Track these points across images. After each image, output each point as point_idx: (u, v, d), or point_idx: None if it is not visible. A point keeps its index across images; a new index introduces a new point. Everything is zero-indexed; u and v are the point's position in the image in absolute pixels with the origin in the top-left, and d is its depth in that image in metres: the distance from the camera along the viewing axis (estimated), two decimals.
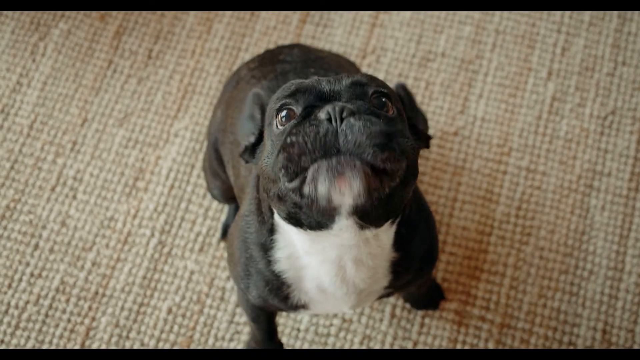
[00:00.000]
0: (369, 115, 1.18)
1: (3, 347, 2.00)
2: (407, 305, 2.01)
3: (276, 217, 1.42)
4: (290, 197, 1.22)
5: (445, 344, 1.98)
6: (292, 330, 1.99)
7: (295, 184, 1.19)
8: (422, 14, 2.37)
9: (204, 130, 2.22)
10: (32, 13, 2.37)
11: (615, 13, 2.36)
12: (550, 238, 2.10)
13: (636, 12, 2.36)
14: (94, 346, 1.99)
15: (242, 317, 2.00)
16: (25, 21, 2.37)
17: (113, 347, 1.99)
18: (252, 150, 1.41)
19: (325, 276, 1.43)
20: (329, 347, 1.99)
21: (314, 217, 1.24)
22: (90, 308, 2.03)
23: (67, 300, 2.03)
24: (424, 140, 1.42)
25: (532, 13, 2.37)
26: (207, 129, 2.02)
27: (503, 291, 2.04)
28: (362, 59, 2.31)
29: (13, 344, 2.00)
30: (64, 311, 2.02)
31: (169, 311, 2.02)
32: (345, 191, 1.17)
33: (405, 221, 1.43)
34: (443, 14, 2.37)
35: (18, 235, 2.11)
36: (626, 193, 2.15)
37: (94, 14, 2.38)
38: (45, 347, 1.99)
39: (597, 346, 1.98)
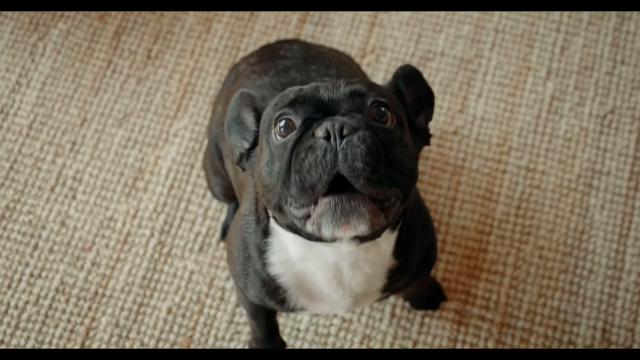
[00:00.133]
0: (367, 132, 1.20)
1: (3, 347, 2.00)
2: (407, 305, 2.01)
3: (272, 220, 1.42)
4: (293, 219, 1.25)
5: (445, 344, 1.98)
6: (292, 330, 1.99)
7: (300, 213, 1.22)
8: (421, 14, 2.37)
9: (203, 130, 2.22)
10: (31, 13, 2.37)
11: (614, 12, 2.36)
12: (549, 237, 2.10)
13: (635, 11, 2.36)
14: (94, 346, 1.99)
15: (242, 317, 2.00)
16: (24, 21, 2.37)
17: (113, 347, 1.99)
18: (247, 155, 1.41)
19: (321, 280, 1.43)
20: (329, 347, 1.99)
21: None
22: (90, 308, 2.03)
23: (67, 301, 2.03)
24: (425, 138, 1.42)
25: (531, 12, 2.37)
26: (208, 126, 2.02)
27: (503, 290, 2.04)
28: (362, 59, 2.31)
29: (13, 344, 2.00)
30: (63, 311, 2.02)
31: (169, 311, 2.02)
32: (348, 232, 1.22)
33: (405, 226, 1.43)
34: (442, 13, 2.37)
35: (17, 235, 2.10)
36: (625, 192, 2.15)
37: (93, 14, 2.37)
38: (45, 347, 1.99)
39: (597, 345, 1.98)
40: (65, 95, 2.28)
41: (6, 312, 2.02)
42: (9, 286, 2.05)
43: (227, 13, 2.38)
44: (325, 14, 2.37)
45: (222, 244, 2.09)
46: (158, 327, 2.00)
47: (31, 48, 2.34)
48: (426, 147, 2.17)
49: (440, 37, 2.34)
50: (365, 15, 2.37)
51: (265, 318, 1.75)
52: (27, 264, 2.07)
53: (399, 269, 1.47)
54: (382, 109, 1.26)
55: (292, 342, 1.99)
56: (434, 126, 2.23)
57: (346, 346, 1.98)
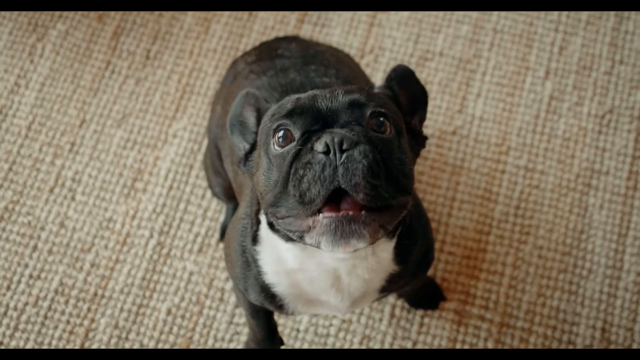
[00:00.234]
0: (367, 147, 1.20)
1: (2, 348, 2.00)
2: (407, 305, 2.01)
3: (262, 228, 1.42)
4: (288, 233, 1.27)
5: (444, 344, 1.98)
6: (291, 331, 1.99)
7: (296, 227, 1.24)
8: (419, 14, 2.37)
9: (202, 131, 2.22)
10: (30, 14, 2.37)
11: (613, 12, 2.36)
12: (549, 237, 2.10)
13: (633, 11, 2.37)
14: (94, 347, 1.99)
15: (242, 318, 2.00)
16: (23, 22, 2.36)
17: (112, 348, 1.99)
18: (245, 159, 1.41)
19: (319, 288, 1.43)
20: (328, 347, 1.99)
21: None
22: (89, 309, 2.03)
23: (66, 302, 2.03)
24: (421, 141, 1.43)
25: (530, 12, 2.37)
26: (207, 126, 2.02)
27: (502, 290, 2.04)
28: (361, 59, 2.31)
29: (12, 345, 1.99)
30: (63, 312, 2.02)
31: (168, 312, 2.02)
32: (348, 249, 1.23)
33: (406, 231, 1.43)
34: (441, 13, 2.37)
35: (17, 236, 2.10)
36: (624, 192, 2.15)
37: (92, 14, 2.37)
38: (44, 348, 1.99)
39: (596, 345, 1.98)
40: (64, 96, 2.27)
41: (5, 313, 2.02)
42: (8, 287, 2.05)
43: (226, 13, 2.38)
44: (324, 14, 2.37)
45: (221, 245, 2.09)
46: (157, 328, 2.00)
47: (30, 49, 2.33)
48: (425, 147, 2.16)
49: (439, 37, 2.34)
50: (364, 16, 2.37)
51: (265, 317, 1.74)
52: (26, 265, 2.07)
53: (399, 273, 1.47)
54: (381, 119, 1.27)
55: (292, 342, 1.99)
56: (432, 126, 2.23)
57: (346, 346, 1.98)
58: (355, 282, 1.41)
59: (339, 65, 1.77)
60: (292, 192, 1.20)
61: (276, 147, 1.26)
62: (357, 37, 2.34)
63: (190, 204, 2.14)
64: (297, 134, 1.25)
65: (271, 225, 1.35)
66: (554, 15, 2.36)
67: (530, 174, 2.17)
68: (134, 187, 2.16)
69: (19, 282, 2.06)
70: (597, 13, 2.36)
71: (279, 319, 1.99)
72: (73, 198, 2.14)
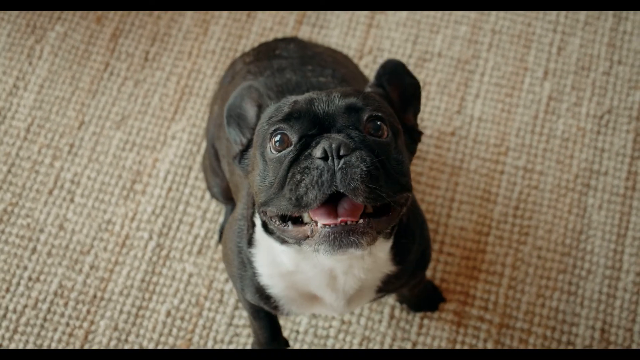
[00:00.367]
0: (365, 152, 1.21)
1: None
2: (406, 306, 2.01)
3: (257, 231, 1.43)
4: (284, 237, 1.29)
5: (444, 345, 1.98)
6: (291, 332, 1.99)
7: (292, 235, 1.26)
8: (418, 14, 2.37)
9: (201, 132, 2.22)
10: (29, 16, 2.37)
11: (611, 12, 2.36)
12: (548, 237, 2.10)
13: (631, 11, 2.37)
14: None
15: (242, 320, 2.00)
16: (21, 24, 2.36)
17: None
18: (241, 156, 1.41)
19: (314, 287, 1.44)
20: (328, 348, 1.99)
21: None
22: (88, 312, 2.02)
23: (66, 304, 2.03)
24: (416, 136, 1.43)
25: (528, 13, 2.37)
26: (206, 127, 2.02)
27: (501, 291, 2.04)
28: (359, 60, 2.31)
29: (12, 348, 1.99)
30: (62, 315, 2.02)
31: (168, 314, 2.02)
32: (345, 256, 1.25)
33: (403, 230, 1.43)
34: (439, 14, 2.37)
35: (16, 239, 2.10)
36: (623, 192, 2.15)
37: (90, 16, 2.37)
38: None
39: (595, 345, 1.98)
40: (63, 98, 2.27)
41: (4, 316, 2.02)
42: (8, 290, 2.05)
43: (224, 15, 2.38)
44: (322, 15, 2.37)
45: (220, 247, 2.09)
46: (157, 330, 2.00)
47: (28, 51, 2.33)
48: (424, 148, 2.17)
49: (438, 38, 2.34)
50: (362, 17, 2.37)
51: (266, 318, 1.73)
52: (25, 268, 2.07)
53: (396, 274, 1.47)
54: (378, 123, 1.27)
55: (292, 344, 1.99)
56: (431, 127, 2.23)
57: (345, 347, 1.98)
58: (351, 282, 1.41)
59: (336, 66, 1.77)
60: (287, 196, 1.21)
61: (273, 151, 1.26)
62: (356, 38, 2.34)
63: (190, 205, 2.14)
64: (294, 139, 1.25)
65: (265, 227, 1.36)
66: (552, 15, 2.36)
67: (529, 174, 2.17)
68: (133, 188, 2.16)
69: (18, 284, 2.05)
70: (596, 13, 2.36)
71: (279, 320, 1.99)
72: (72, 200, 2.14)
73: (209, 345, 1.99)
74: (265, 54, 1.81)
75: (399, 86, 1.42)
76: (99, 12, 2.38)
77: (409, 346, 1.98)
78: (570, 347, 1.98)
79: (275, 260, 1.42)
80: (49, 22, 2.37)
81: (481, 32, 2.35)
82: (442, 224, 2.11)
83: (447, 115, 2.24)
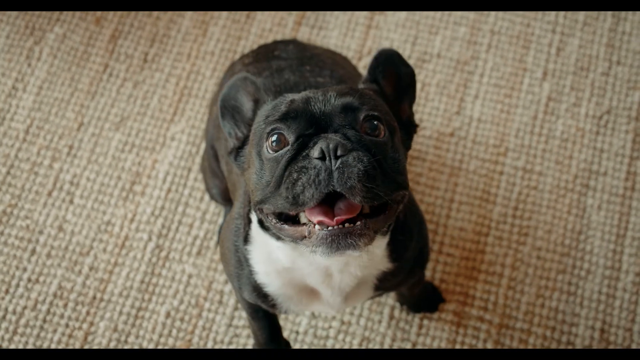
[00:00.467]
0: (361, 152, 1.22)
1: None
2: (406, 307, 2.01)
3: (253, 228, 1.43)
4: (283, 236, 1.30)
5: (444, 345, 1.98)
6: (290, 333, 1.99)
7: (289, 234, 1.27)
8: (417, 15, 2.37)
9: (200, 134, 2.22)
10: (27, 17, 2.37)
11: (610, 12, 2.37)
12: (547, 238, 2.10)
13: (630, 12, 2.37)
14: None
15: (241, 321, 2.00)
16: (20, 25, 2.36)
17: None
18: (236, 153, 1.41)
19: (311, 284, 1.44)
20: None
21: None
22: (88, 313, 2.02)
23: (65, 305, 2.03)
24: (413, 131, 1.43)
25: (527, 13, 2.37)
26: (205, 128, 2.02)
27: (501, 291, 2.04)
28: (358, 61, 2.31)
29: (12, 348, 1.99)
30: (62, 316, 2.02)
31: (168, 315, 2.02)
32: (343, 257, 1.27)
33: (400, 227, 1.43)
34: (438, 15, 2.37)
35: (15, 240, 2.10)
36: (622, 192, 2.15)
37: (89, 17, 2.37)
38: None
39: (595, 345, 1.98)
40: (62, 99, 2.27)
41: (4, 317, 2.02)
42: (7, 291, 2.05)
43: (223, 16, 2.38)
44: (321, 16, 2.37)
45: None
46: (157, 331, 2.00)
47: (27, 52, 2.33)
48: (423, 149, 2.17)
49: (437, 39, 2.34)
50: (361, 18, 2.37)
51: (265, 318, 1.73)
52: (24, 269, 2.07)
53: (392, 272, 1.48)
54: (375, 122, 1.28)
55: (291, 344, 1.98)
56: (430, 128, 2.23)
57: (345, 348, 1.98)
58: (347, 279, 1.42)
59: (334, 67, 1.78)
60: (284, 194, 1.22)
61: (269, 151, 1.27)
62: (355, 39, 2.34)
63: (189, 206, 2.13)
64: (291, 139, 1.25)
65: (262, 224, 1.36)
66: (551, 16, 2.37)
67: (528, 175, 2.17)
68: (132, 190, 2.16)
69: (17, 285, 2.05)
70: (594, 14, 2.37)
71: (279, 321, 1.99)
72: (71, 201, 2.14)
73: (209, 346, 1.99)
74: (264, 56, 1.82)
75: (394, 76, 1.41)
76: (98, 14, 2.38)
77: (408, 346, 1.98)
78: (570, 347, 1.98)
79: (271, 257, 1.42)
80: (48, 23, 2.37)
81: (480, 33, 2.35)
82: (442, 224, 2.11)
83: (447, 116, 2.24)
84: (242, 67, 1.83)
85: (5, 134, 2.23)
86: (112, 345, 1.99)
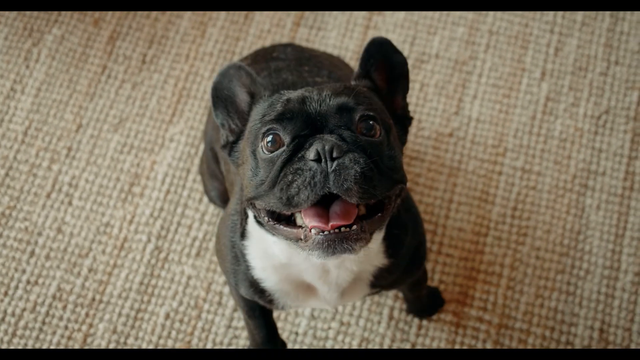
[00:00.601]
0: (357, 154, 1.22)
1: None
2: (405, 307, 2.01)
3: (250, 223, 1.43)
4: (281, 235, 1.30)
5: (443, 345, 1.98)
6: (290, 334, 1.99)
7: (285, 235, 1.27)
8: (415, 16, 2.37)
9: (199, 135, 2.22)
10: (26, 19, 2.37)
11: (608, 12, 2.37)
12: (546, 238, 2.10)
13: (628, 12, 2.37)
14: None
15: (240, 322, 2.00)
16: (18, 27, 2.36)
17: None
18: (231, 147, 1.41)
19: (308, 279, 1.44)
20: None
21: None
22: (87, 315, 2.02)
23: (64, 307, 2.03)
24: (408, 123, 1.43)
25: (525, 13, 2.37)
26: (204, 130, 2.03)
27: (500, 292, 2.04)
28: (357, 62, 2.31)
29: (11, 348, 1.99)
30: (61, 318, 2.02)
31: (167, 317, 2.02)
32: (338, 260, 1.28)
33: (395, 221, 1.44)
34: (436, 15, 2.37)
35: (14, 242, 2.10)
36: (621, 192, 2.15)
37: (88, 19, 2.37)
38: None
39: (594, 345, 1.98)
40: (61, 101, 2.27)
41: (3, 319, 2.02)
42: (6, 293, 2.04)
43: (222, 17, 2.38)
44: (319, 17, 2.37)
45: None
46: (156, 333, 2.00)
47: (25, 54, 2.33)
48: (422, 150, 2.17)
49: (435, 39, 2.34)
50: (359, 18, 2.37)
51: (262, 317, 1.73)
52: (23, 271, 2.07)
53: (388, 268, 1.48)
54: (371, 122, 1.28)
55: (291, 345, 1.99)
56: (429, 128, 2.23)
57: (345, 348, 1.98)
58: (344, 275, 1.43)
59: (332, 68, 1.79)
60: (278, 195, 1.22)
61: (265, 151, 1.27)
62: (353, 40, 2.34)
63: (188, 208, 2.13)
64: (286, 140, 1.26)
65: (257, 219, 1.36)
66: (549, 16, 2.37)
67: (527, 175, 2.17)
68: (131, 191, 2.16)
69: (16, 287, 2.05)
70: (593, 14, 2.37)
71: (278, 322, 1.99)
72: (70, 203, 2.14)
73: (208, 347, 1.99)
74: (263, 57, 1.83)
75: (386, 67, 1.40)
76: (97, 15, 2.38)
77: (408, 347, 1.98)
78: (569, 347, 1.99)
79: (267, 253, 1.42)
80: (46, 25, 2.36)
81: (478, 33, 2.35)
82: (441, 225, 2.11)
83: (445, 116, 2.24)
84: None
85: (3, 135, 2.23)
86: (111, 347, 1.99)
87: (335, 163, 1.20)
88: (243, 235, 1.46)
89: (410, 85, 2.27)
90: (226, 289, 2.04)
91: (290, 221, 1.27)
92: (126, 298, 2.04)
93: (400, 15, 2.37)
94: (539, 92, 2.27)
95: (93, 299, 2.04)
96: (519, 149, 2.20)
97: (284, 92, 1.33)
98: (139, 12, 2.38)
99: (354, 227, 1.22)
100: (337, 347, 1.98)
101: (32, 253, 2.09)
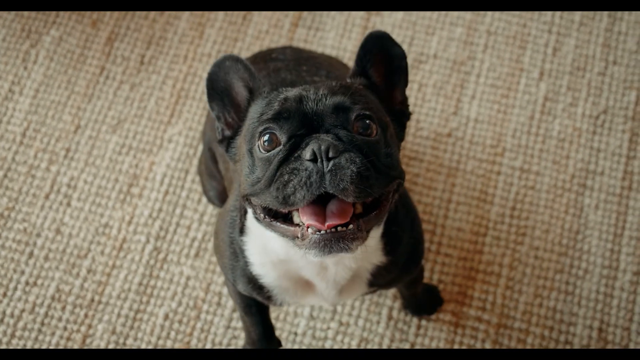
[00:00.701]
0: (353, 154, 1.22)
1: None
2: (408, 311, 2.01)
3: (249, 219, 1.43)
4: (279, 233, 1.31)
5: (442, 345, 1.98)
6: (289, 335, 1.99)
7: (282, 232, 1.28)
8: (413, 16, 2.37)
9: (197, 136, 2.22)
10: (24, 20, 2.37)
11: (606, 12, 2.37)
12: (545, 238, 2.10)
13: (626, 12, 2.37)
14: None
15: (239, 322, 2.00)
16: (16, 28, 2.36)
17: None
18: (228, 143, 1.41)
19: (306, 275, 1.44)
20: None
21: None
22: (86, 316, 2.02)
23: (63, 308, 2.03)
24: (406, 118, 1.43)
25: (523, 14, 2.37)
26: (202, 130, 2.03)
27: (499, 291, 2.04)
28: None
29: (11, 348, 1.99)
30: (60, 319, 2.02)
31: (166, 317, 2.02)
32: (335, 258, 1.29)
33: (393, 218, 1.44)
34: (434, 15, 2.37)
35: (12, 243, 2.10)
36: (619, 191, 2.16)
37: (86, 20, 2.37)
38: None
39: (593, 345, 1.98)
40: (59, 102, 2.27)
41: (2, 320, 2.01)
42: (5, 294, 2.04)
43: (220, 18, 2.38)
44: (318, 17, 2.37)
45: None
46: (155, 334, 2.00)
47: (24, 55, 2.33)
48: (421, 150, 2.17)
49: (433, 39, 2.34)
50: (357, 19, 2.37)
51: (258, 314, 1.73)
52: (22, 272, 2.07)
53: (386, 266, 1.48)
54: (367, 121, 1.28)
55: (290, 346, 1.98)
56: (427, 128, 2.23)
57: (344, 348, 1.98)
58: (342, 272, 1.43)
59: (331, 68, 1.79)
60: (274, 194, 1.23)
61: (261, 150, 1.27)
62: (352, 40, 2.34)
63: (187, 208, 2.13)
64: (283, 139, 1.26)
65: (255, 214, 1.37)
66: (547, 16, 2.37)
67: (525, 175, 2.18)
68: (129, 192, 2.16)
69: (15, 288, 2.05)
70: (590, 14, 2.37)
71: (277, 322, 1.99)
72: (69, 204, 2.14)
73: (207, 348, 1.99)
74: (262, 59, 1.84)
75: (383, 63, 1.39)
76: (95, 16, 2.38)
77: (407, 347, 1.98)
78: (568, 346, 1.99)
79: (266, 249, 1.43)
80: (44, 26, 2.36)
81: (476, 34, 2.35)
82: (439, 225, 2.11)
83: (444, 116, 2.25)
84: None
85: (2, 137, 2.23)
86: (110, 348, 1.99)
87: (331, 163, 1.20)
88: (242, 231, 1.47)
89: (409, 85, 2.27)
90: (225, 290, 2.04)
91: (287, 219, 1.28)
92: (125, 299, 2.04)
93: (399, 15, 2.38)
94: (537, 92, 2.28)
95: (92, 300, 2.04)
96: (518, 149, 2.20)
97: (282, 90, 1.33)
98: (137, 13, 2.38)
99: (350, 226, 1.23)
100: (336, 347, 1.98)
101: (31, 254, 2.08)
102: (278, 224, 1.28)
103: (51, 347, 1.98)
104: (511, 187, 2.16)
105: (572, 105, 2.26)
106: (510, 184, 2.16)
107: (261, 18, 2.38)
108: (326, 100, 1.28)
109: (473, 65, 2.31)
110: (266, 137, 1.27)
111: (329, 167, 1.20)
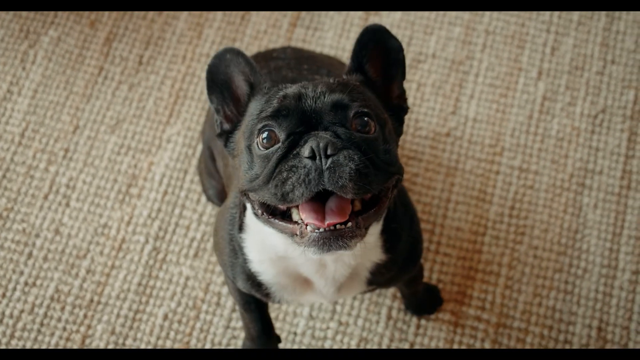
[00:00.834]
0: (352, 151, 1.23)
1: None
2: (403, 306, 2.01)
3: (248, 216, 1.44)
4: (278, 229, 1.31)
5: (441, 345, 1.98)
6: (288, 334, 1.99)
7: (281, 228, 1.28)
8: (412, 16, 2.37)
9: (196, 136, 2.22)
10: (22, 21, 2.36)
11: (604, 12, 2.37)
12: (544, 237, 2.10)
13: (624, 11, 2.38)
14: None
15: (239, 322, 2.00)
16: (14, 29, 2.36)
17: None
18: (227, 138, 1.41)
19: (304, 273, 1.45)
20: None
21: None
22: (85, 316, 2.02)
23: (62, 309, 2.03)
24: (404, 113, 1.42)
25: (522, 13, 2.38)
26: (201, 130, 2.03)
27: (498, 291, 2.04)
28: None
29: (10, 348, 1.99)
30: (59, 320, 2.01)
31: (165, 317, 2.02)
32: (334, 256, 1.29)
33: (392, 214, 1.44)
34: (433, 15, 2.37)
35: (11, 244, 2.10)
36: (618, 191, 2.16)
37: (84, 20, 2.37)
38: None
39: (592, 344, 1.99)
40: (57, 102, 2.27)
41: (1, 321, 2.01)
42: (4, 295, 2.04)
43: (218, 18, 2.38)
44: (316, 17, 2.37)
45: None
46: (154, 334, 2.00)
47: (22, 56, 2.33)
48: (419, 149, 2.17)
49: (432, 39, 2.35)
50: (356, 19, 2.37)
51: (257, 310, 1.73)
52: (21, 273, 2.06)
53: (385, 264, 1.48)
54: (365, 119, 1.28)
55: (289, 346, 1.98)
56: (426, 128, 2.23)
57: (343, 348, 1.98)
58: (341, 269, 1.43)
59: (331, 67, 1.80)
60: (272, 191, 1.23)
61: (260, 147, 1.28)
62: (350, 40, 2.34)
63: (186, 208, 2.13)
64: (281, 136, 1.26)
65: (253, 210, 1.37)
66: (545, 16, 2.37)
67: (524, 174, 2.18)
68: (128, 192, 2.15)
69: (14, 289, 2.05)
70: (589, 13, 2.37)
71: (276, 322, 1.99)
72: (68, 204, 2.14)
73: (207, 348, 1.99)
74: (263, 58, 1.85)
75: (381, 55, 1.39)
76: (93, 17, 2.37)
77: (406, 347, 1.98)
78: (567, 346, 1.99)
79: (265, 246, 1.43)
80: (43, 26, 2.36)
81: (475, 33, 2.35)
82: (439, 224, 2.11)
83: (442, 116, 2.25)
84: None
85: (0, 137, 2.22)
86: (110, 348, 1.99)
87: (329, 160, 1.21)
88: (241, 228, 1.47)
89: (407, 85, 2.28)
90: (224, 290, 2.04)
91: (285, 216, 1.28)
92: (124, 299, 2.03)
93: (397, 15, 2.38)
94: (536, 92, 2.28)
95: (91, 300, 2.04)
96: (516, 148, 2.21)
97: (281, 87, 1.33)
98: (136, 14, 2.38)
99: (349, 224, 1.23)
100: (335, 347, 1.98)
101: (30, 255, 2.08)
102: (276, 220, 1.28)
103: (50, 348, 1.98)
104: (510, 186, 2.16)
105: (570, 104, 2.26)
106: (509, 183, 2.17)
107: (259, 18, 2.38)
108: (324, 97, 1.28)
109: (471, 64, 2.31)
110: (265, 135, 1.27)
111: (327, 165, 1.20)
